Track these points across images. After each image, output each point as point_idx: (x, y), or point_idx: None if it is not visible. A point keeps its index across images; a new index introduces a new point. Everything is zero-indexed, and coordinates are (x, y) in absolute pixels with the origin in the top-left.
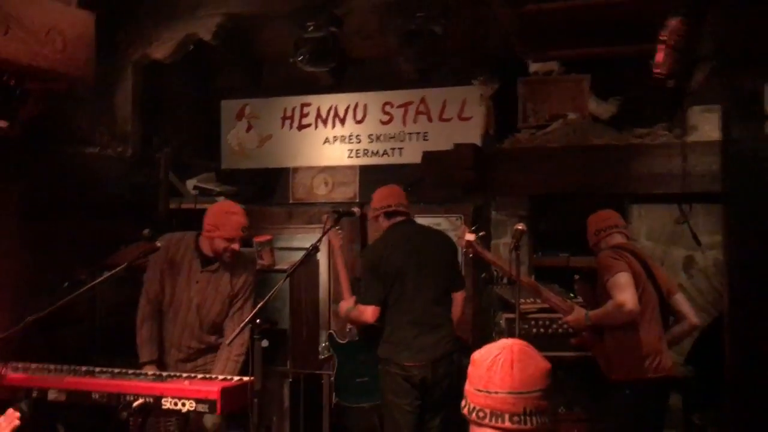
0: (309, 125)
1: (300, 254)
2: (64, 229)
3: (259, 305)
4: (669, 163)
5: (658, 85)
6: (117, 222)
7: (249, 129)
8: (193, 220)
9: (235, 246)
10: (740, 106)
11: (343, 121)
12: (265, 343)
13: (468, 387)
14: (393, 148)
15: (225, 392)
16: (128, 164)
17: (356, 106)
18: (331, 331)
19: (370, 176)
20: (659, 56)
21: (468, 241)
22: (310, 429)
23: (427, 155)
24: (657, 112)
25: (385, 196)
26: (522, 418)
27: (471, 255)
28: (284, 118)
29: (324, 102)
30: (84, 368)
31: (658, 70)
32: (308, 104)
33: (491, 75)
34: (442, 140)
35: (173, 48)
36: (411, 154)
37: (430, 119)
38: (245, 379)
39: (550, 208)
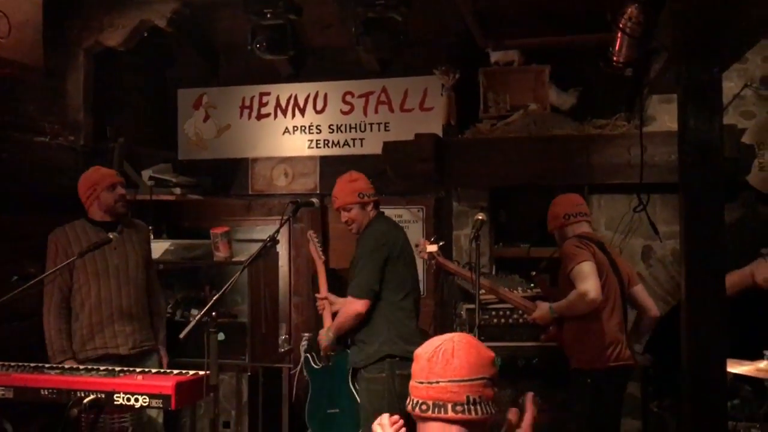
0: (268, 115)
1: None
2: (12, 221)
3: (215, 297)
4: (628, 153)
5: (617, 74)
6: (69, 214)
7: (206, 119)
8: (149, 212)
9: (121, 191)
10: (697, 95)
11: (303, 111)
12: (221, 336)
13: (411, 383)
14: (354, 139)
15: (179, 387)
16: (80, 154)
17: (316, 95)
18: (306, 354)
19: (331, 167)
20: (617, 44)
21: (430, 253)
22: (269, 423)
23: (387, 146)
24: (616, 102)
25: (366, 184)
26: (465, 407)
27: (434, 265)
28: (243, 108)
29: (283, 91)
30: (32, 364)
31: (616, 59)
32: (267, 93)
33: (452, 65)
34: (404, 131)
35: (127, 35)
36: (372, 145)
37: (391, 109)
38: (200, 373)
39: (510, 199)
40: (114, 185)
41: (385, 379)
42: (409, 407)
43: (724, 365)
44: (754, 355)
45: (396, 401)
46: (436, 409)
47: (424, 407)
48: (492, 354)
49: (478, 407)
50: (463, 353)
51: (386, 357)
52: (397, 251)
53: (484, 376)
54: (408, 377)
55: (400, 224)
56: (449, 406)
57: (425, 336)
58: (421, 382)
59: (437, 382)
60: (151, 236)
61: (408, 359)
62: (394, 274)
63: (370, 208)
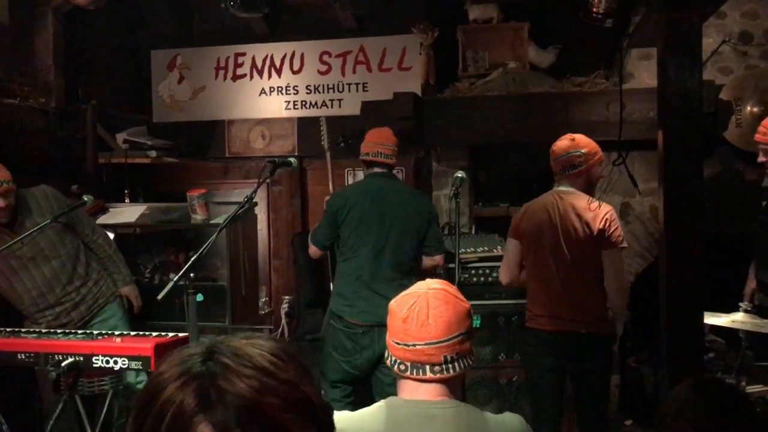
0: (244, 76)
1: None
2: None
3: (192, 259)
4: (606, 110)
5: (597, 26)
6: (41, 178)
7: (181, 80)
8: (124, 175)
9: (1, 203)
10: (677, 46)
11: (279, 72)
12: (199, 297)
13: (388, 338)
14: (332, 100)
15: (159, 348)
16: (52, 117)
17: (293, 55)
18: None
19: (309, 128)
20: None
21: None
22: None
23: (366, 106)
24: (595, 60)
25: (367, 142)
26: (443, 367)
27: None
28: (218, 69)
29: (259, 51)
30: (8, 329)
31: (595, 9)
32: (243, 54)
33: (431, 23)
34: (382, 91)
35: None
36: (350, 106)
37: (369, 69)
38: (180, 335)
39: (490, 159)
40: None
41: (326, 329)
42: (388, 362)
43: (701, 319)
44: (730, 308)
45: (330, 352)
46: (414, 371)
47: (402, 367)
48: (467, 305)
49: (456, 364)
50: (438, 313)
51: (330, 310)
52: (344, 214)
53: (460, 332)
54: (340, 332)
55: None
56: (427, 367)
57: (372, 300)
58: (398, 344)
59: (414, 345)
60: (54, 193)
61: (340, 317)
62: (341, 236)
63: (367, 167)
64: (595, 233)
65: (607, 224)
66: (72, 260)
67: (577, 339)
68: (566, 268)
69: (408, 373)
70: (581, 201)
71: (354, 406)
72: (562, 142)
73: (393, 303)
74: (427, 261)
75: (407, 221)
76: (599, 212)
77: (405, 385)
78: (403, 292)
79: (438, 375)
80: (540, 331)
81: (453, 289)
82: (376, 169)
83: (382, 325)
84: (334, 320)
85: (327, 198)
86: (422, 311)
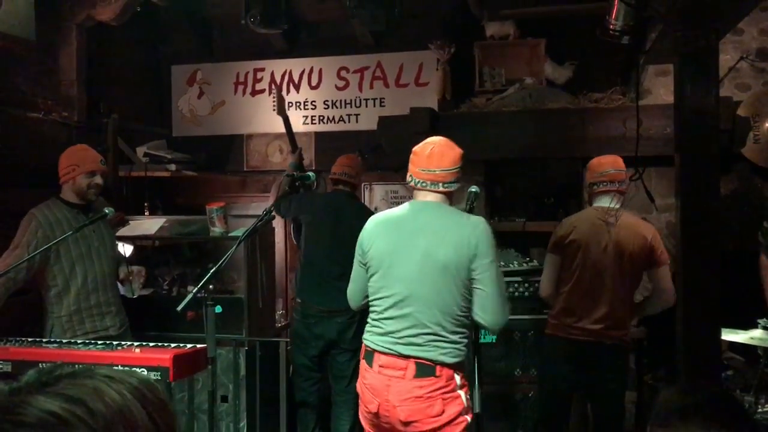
0: (263, 91)
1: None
2: (5, 196)
3: (212, 271)
4: (623, 126)
5: (613, 43)
6: (63, 190)
7: (201, 95)
8: (144, 188)
9: (98, 180)
10: (693, 62)
11: (297, 87)
12: (218, 309)
13: (414, 170)
14: (349, 115)
15: (177, 359)
16: (74, 130)
17: (311, 71)
18: None
19: (326, 143)
20: (613, 11)
21: None
22: (267, 397)
23: (383, 120)
24: (612, 76)
25: (335, 164)
26: (449, 184)
27: None
28: (237, 84)
29: (278, 67)
30: (30, 339)
31: (612, 26)
32: (261, 69)
33: (448, 39)
34: (399, 106)
35: (120, 9)
36: (367, 121)
37: (386, 85)
38: (198, 346)
39: (506, 174)
40: (94, 173)
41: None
42: (411, 184)
43: (719, 336)
44: (748, 325)
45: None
46: (433, 186)
47: (424, 184)
48: (461, 150)
49: (455, 184)
50: (447, 152)
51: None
52: (305, 218)
53: (459, 166)
54: (298, 322)
55: (396, 199)
56: (440, 184)
57: (321, 305)
58: (423, 170)
59: (434, 171)
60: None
61: (298, 306)
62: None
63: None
64: (647, 251)
65: (657, 242)
66: (116, 271)
67: (601, 349)
68: (614, 282)
69: (428, 188)
70: (631, 218)
71: None
72: (608, 158)
73: (416, 147)
74: None
75: (354, 230)
76: (648, 230)
77: (421, 194)
78: (422, 142)
79: (445, 188)
80: (564, 339)
81: (451, 141)
82: (339, 186)
83: (332, 312)
84: (296, 304)
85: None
86: (436, 151)
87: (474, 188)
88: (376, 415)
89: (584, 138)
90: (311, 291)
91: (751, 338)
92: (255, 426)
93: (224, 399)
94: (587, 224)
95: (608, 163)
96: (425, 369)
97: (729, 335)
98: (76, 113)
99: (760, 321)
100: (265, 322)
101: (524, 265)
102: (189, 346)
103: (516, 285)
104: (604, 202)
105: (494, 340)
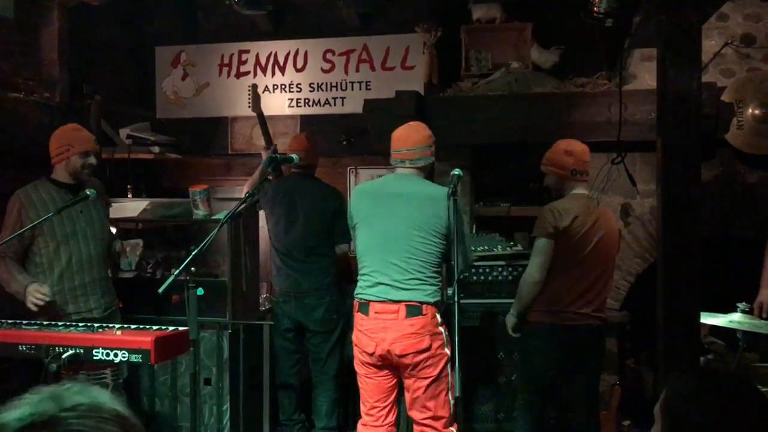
0: (247, 73)
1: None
2: None
3: (193, 253)
4: (608, 111)
5: (597, 25)
6: (44, 172)
7: (185, 77)
8: (127, 171)
9: (92, 161)
10: (676, 46)
11: (282, 69)
12: (199, 291)
13: (393, 151)
14: (335, 98)
15: (158, 341)
16: (56, 111)
17: (296, 53)
18: None
19: (312, 126)
20: None
21: None
22: (250, 380)
23: (368, 104)
24: (598, 61)
25: (287, 147)
26: (423, 159)
27: None
28: (222, 66)
29: (263, 49)
30: (10, 320)
31: (596, 9)
32: (246, 51)
33: (434, 22)
34: (385, 90)
35: None
36: (353, 104)
37: (372, 68)
38: (180, 329)
39: (491, 159)
40: (88, 153)
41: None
42: (392, 162)
43: (698, 320)
44: (730, 310)
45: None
46: (402, 163)
47: (397, 162)
48: (428, 132)
49: (421, 161)
50: (412, 134)
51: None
52: (264, 208)
53: (426, 145)
54: (273, 305)
55: None
56: (407, 161)
57: (286, 287)
58: (395, 150)
59: (408, 150)
60: (102, 187)
61: (274, 291)
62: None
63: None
64: (618, 238)
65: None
66: (106, 253)
67: (589, 331)
68: (599, 267)
69: (399, 165)
70: (602, 207)
71: None
72: (586, 147)
73: (395, 132)
74: (337, 250)
75: (313, 209)
76: (614, 219)
77: (398, 171)
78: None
79: (411, 165)
80: (553, 326)
81: (422, 125)
82: (294, 170)
83: (301, 293)
84: (272, 292)
85: None
86: (405, 133)
87: (457, 171)
88: (372, 355)
89: (569, 123)
90: (279, 276)
91: (730, 321)
92: (238, 409)
93: (207, 382)
94: (585, 213)
95: (588, 152)
96: (414, 309)
97: (708, 318)
98: (58, 94)
99: (739, 305)
100: (248, 306)
101: (508, 249)
102: (171, 328)
103: (500, 269)
104: (583, 191)
105: (478, 324)
